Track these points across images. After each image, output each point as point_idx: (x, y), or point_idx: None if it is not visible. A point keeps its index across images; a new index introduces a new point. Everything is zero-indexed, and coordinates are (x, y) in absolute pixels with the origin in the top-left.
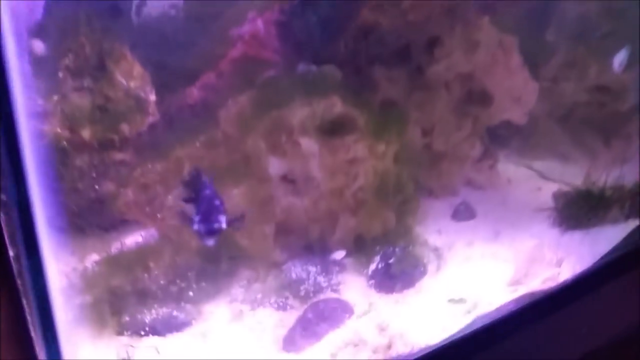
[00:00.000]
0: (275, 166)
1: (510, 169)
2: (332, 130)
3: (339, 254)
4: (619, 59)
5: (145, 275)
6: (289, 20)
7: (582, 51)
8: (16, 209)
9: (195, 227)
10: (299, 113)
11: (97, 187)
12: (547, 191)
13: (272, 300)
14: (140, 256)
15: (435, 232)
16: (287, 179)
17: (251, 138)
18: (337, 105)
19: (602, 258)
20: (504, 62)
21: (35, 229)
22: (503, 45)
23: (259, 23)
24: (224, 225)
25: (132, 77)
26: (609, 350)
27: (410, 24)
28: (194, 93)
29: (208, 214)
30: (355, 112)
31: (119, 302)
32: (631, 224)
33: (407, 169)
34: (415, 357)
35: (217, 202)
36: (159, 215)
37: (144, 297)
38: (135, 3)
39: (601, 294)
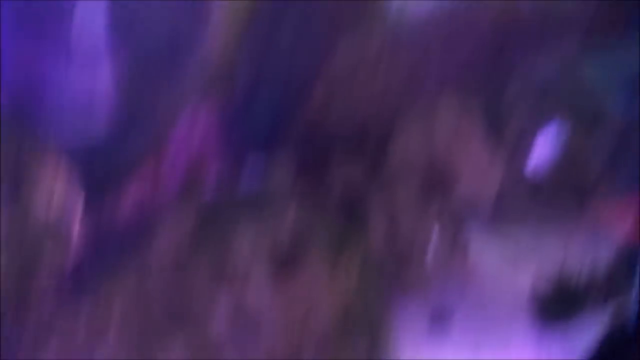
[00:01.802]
0: (222, 303)
1: (481, 254)
2: (285, 257)
3: None
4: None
5: None
6: (231, 113)
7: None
8: None
9: None
10: (245, 241)
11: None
12: (523, 279)
13: None
14: None
15: (412, 349)
16: (238, 314)
17: (192, 273)
18: (288, 230)
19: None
20: (466, 137)
21: None
22: (465, 116)
23: (198, 125)
24: None
25: (54, 196)
26: None
27: (364, 110)
28: (126, 208)
29: None
30: (311, 230)
31: None
32: (608, 310)
33: (374, 282)
34: None
35: None
36: None
37: None
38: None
39: None
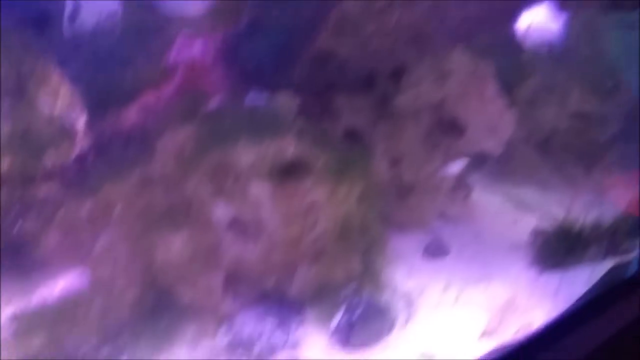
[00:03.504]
0: (221, 211)
1: (485, 197)
2: (287, 172)
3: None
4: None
5: (71, 334)
6: (235, 46)
7: (563, 75)
8: None
9: None
10: (247, 154)
11: (17, 225)
12: (524, 225)
13: None
14: (66, 310)
15: (405, 274)
16: (235, 224)
17: (192, 179)
18: (291, 147)
19: (577, 301)
20: (478, 91)
21: None
22: (477, 73)
23: (199, 48)
24: None
25: (58, 99)
26: None
27: (373, 52)
28: (130, 116)
29: None
30: (313, 151)
31: None
32: (608, 264)
33: (373, 207)
34: None
35: None
36: (86, 262)
37: None
38: (67, 10)
39: (573, 341)
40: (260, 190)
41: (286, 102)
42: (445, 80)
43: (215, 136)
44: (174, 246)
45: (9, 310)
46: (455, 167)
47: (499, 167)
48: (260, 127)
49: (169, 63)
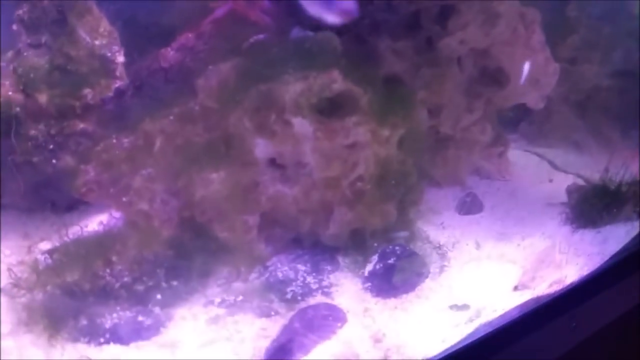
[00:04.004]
0: (262, 148)
1: (520, 157)
2: (331, 109)
3: None
4: None
5: (107, 270)
6: None
7: (607, 32)
8: None
9: None
10: (292, 88)
11: (54, 161)
12: (559, 183)
13: (254, 304)
14: (102, 246)
15: (439, 226)
16: (275, 163)
17: (234, 114)
18: (337, 81)
19: (610, 258)
20: (524, 38)
21: None
22: (525, 19)
23: None
24: None
25: (97, 33)
26: (615, 352)
27: None
28: (170, 55)
29: None
30: (358, 89)
31: (75, 303)
32: None
33: (412, 155)
34: None
35: None
36: (124, 198)
37: (104, 296)
38: None
39: (607, 296)
40: (303, 127)
41: (332, 38)
42: (493, 24)
43: (259, 69)
44: (213, 183)
45: (44, 246)
46: None
47: (536, 127)
48: (307, 60)
49: None
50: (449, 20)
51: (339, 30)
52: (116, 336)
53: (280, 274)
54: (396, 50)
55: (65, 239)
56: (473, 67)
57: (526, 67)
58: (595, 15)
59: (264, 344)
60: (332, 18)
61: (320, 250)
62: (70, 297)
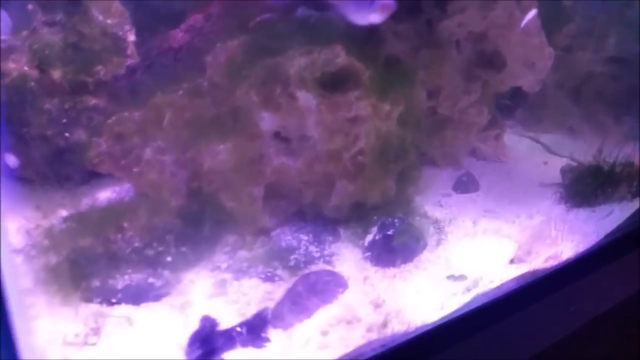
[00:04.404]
0: (267, 121)
1: (516, 141)
2: (333, 84)
3: None
4: None
5: (119, 236)
6: None
7: (602, 19)
8: None
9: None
10: (296, 62)
11: (67, 134)
12: (554, 166)
13: (259, 269)
14: (113, 214)
15: (436, 203)
16: (280, 136)
17: (241, 88)
18: (340, 56)
19: (605, 237)
20: (520, 23)
21: None
22: (521, 4)
23: None
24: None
25: (110, 13)
26: (611, 328)
27: None
28: (179, 35)
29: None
30: (360, 65)
31: (88, 265)
32: (637, 203)
33: (411, 133)
34: (412, 335)
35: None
36: (135, 170)
37: (116, 260)
38: None
39: (602, 274)
40: (307, 100)
41: (334, 18)
42: (491, 8)
43: (266, 45)
44: (220, 155)
45: (59, 213)
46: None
47: (531, 113)
48: (311, 36)
49: None
50: (448, 3)
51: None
52: (128, 296)
53: (283, 243)
54: (397, 32)
55: (78, 207)
56: (471, 50)
57: (530, 14)
58: (589, 3)
59: (269, 305)
60: (374, 17)
61: (321, 222)
62: (84, 260)
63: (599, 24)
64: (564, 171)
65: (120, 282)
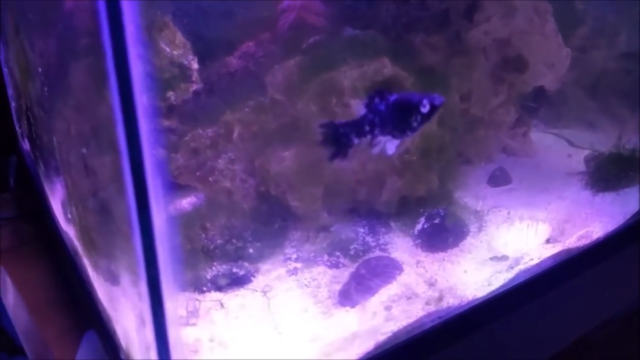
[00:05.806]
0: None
1: (541, 138)
2: None
3: None
4: None
5: (203, 235)
6: None
7: (612, 18)
8: None
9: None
10: (349, 74)
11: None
12: (577, 157)
13: (324, 258)
14: (197, 217)
15: (473, 196)
16: None
17: (301, 102)
18: (387, 67)
19: (632, 217)
20: (539, 27)
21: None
22: (538, 11)
23: None
24: None
25: (174, 45)
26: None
27: None
28: (233, 61)
29: None
30: (404, 74)
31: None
32: None
33: (449, 133)
34: (466, 308)
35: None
36: (210, 179)
37: (203, 255)
38: None
39: (632, 251)
40: (359, 108)
41: (378, 36)
42: (512, 16)
43: (320, 63)
44: (285, 161)
45: None
46: None
47: (550, 110)
48: (361, 52)
49: (271, 9)
50: (474, 15)
51: (380, 29)
52: (216, 285)
53: (343, 236)
54: (430, 44)
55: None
56: (496, 55)
57: None
58: (600, 3)
59: (337, 287)
60: None
61: (374, 216)
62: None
63: (609, 23)
64: (587, 160)
65: (209, 273)
